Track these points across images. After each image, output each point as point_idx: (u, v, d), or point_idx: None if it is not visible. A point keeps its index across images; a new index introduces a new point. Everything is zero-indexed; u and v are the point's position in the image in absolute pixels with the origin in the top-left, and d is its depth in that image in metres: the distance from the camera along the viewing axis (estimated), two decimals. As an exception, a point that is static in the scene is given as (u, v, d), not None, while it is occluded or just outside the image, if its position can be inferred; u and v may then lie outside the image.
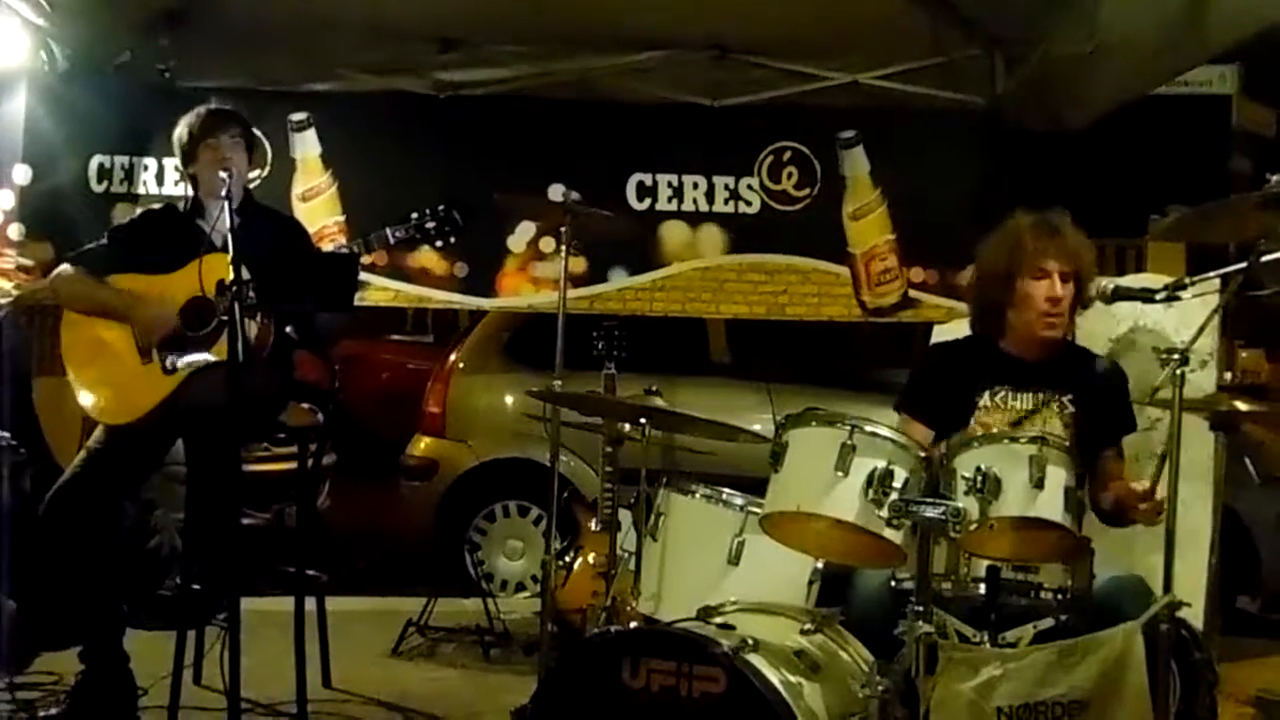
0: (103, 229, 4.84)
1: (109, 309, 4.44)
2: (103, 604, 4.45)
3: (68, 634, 4.70)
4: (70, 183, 6.35)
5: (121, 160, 6.42)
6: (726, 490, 3.82)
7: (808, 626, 3.51)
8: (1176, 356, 3.37)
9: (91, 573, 4.35)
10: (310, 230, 5.29)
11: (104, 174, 6.40)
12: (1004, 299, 3.95)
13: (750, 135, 6.51)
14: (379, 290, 6.44)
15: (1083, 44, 5.31)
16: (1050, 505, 3.21)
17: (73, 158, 6.36)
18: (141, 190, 6.41)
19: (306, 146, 6.44)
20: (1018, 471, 3.20)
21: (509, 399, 7.06)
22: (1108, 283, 3.92)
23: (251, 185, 4.88)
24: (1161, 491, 3.49)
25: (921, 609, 3.15)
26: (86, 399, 4.42)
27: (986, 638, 3.39)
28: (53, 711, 4.45)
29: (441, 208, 4.56)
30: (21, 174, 6.29)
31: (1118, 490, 3.76)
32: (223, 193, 4.07)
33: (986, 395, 3.93)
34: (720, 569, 3.71)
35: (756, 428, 5.28)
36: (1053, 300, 3.85)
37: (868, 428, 3.20)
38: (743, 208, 6.49)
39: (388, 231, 4.54)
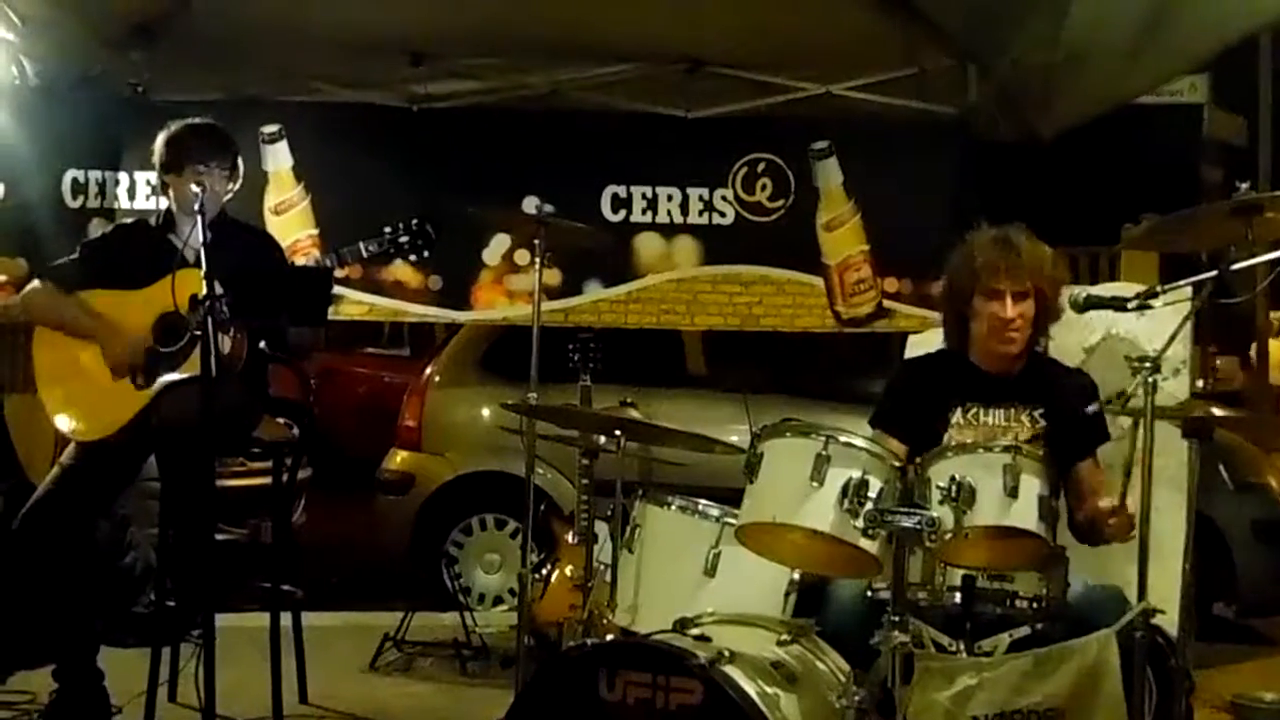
0: (77, 244, 4.81)
1: (78, 330, 4.42)
2: (77, 621, 4.43)
3: (41, 652, 4.67)
4: (44, 198, 6.30)
5: (95, 175, 6.38)
6: (702, 502, 3.81)
7: (784, 637, 3.51)
8: (1148, 365, 3.38)
9: (65, 590, 4.33)
10: (283, 244, 5.28)
11: (78, 189, 6.37)
12: (966, 312, 3.96)
13: (724, 147, 6.51)
14: (353, 304, 6.41)
15: (1052, 52, 5.33)
16: (1024, 514, 3.22)
17: (46, 173, 6.31)
18: (116, 205, 6.37)
19: (279, 159, 6.41)
20: (992, 481, 3.21)
21: (485, 412, 7.03)
22: (1079, 292, 3.93)
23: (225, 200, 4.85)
24: (1133, 506, 3.50)
25: (897, 619, 3.16)
26: (59, 416, 4.39)
27: (962, 647, 3.40)
28: (26, 730, 4.44)
29: (415, 221, 4.57)
30: (-7, 190, 6.27)
31: (1089, 509, 3.77)
32: (196, 207, 4.06)
33: (959, 411, 3.93)
34: (696, 580, 3.70)
35: (733, 439, 5.27)
36: (1003, 321, 3.84)
37: (842, 438, 3.21)
38: (717, 219, 6.49)
39: (361, 245, 4.53)
